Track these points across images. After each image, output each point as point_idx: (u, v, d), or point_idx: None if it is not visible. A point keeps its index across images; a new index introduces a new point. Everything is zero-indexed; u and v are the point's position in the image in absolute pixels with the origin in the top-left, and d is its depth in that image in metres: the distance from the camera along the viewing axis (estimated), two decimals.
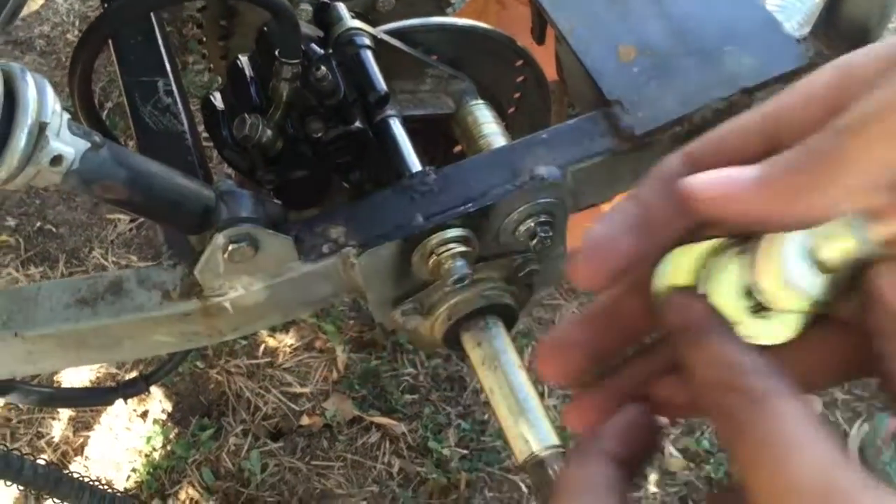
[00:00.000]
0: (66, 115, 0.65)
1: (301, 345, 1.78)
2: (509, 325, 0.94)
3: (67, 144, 0.64)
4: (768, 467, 0.33)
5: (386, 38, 0.93)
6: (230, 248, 0.78)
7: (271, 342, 1.78)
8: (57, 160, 0.64)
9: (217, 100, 0.93)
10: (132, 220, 2.00)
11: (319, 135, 0.89)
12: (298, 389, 1.72)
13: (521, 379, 0.87)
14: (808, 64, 0.85)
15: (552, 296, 1.80)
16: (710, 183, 0.36)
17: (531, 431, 0.83)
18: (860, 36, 0.83)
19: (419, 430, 1.65)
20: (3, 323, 0.84)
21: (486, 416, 1.68)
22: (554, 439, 0.83)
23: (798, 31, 1.03)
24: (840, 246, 0.35)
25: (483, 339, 0.89)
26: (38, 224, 2.01)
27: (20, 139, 0.60)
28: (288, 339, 1.79)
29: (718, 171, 0.36)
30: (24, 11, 2.44)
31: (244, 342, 1.77)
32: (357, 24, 0.92)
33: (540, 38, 1.03)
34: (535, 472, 0.83)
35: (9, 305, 0.85)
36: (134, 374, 1.71)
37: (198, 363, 1.75)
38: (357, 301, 1.83)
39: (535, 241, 0.86)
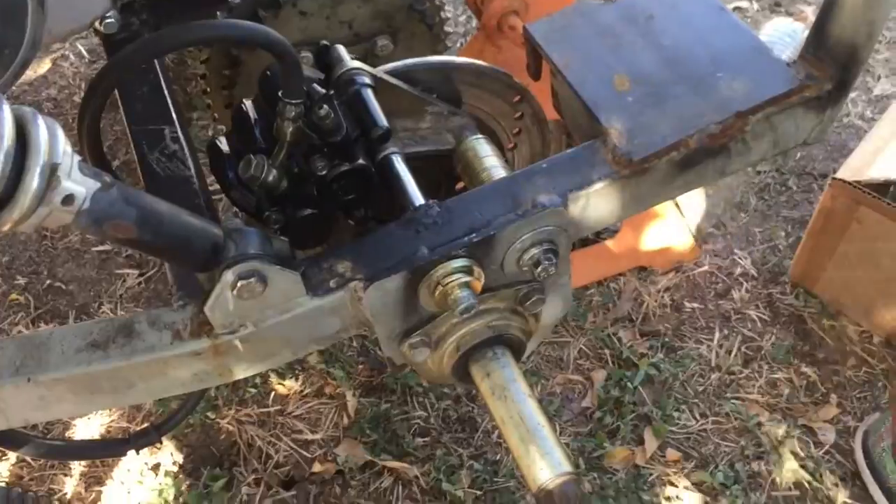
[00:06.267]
0: (77, 157, 0.67)
1: (311, 391, 1.78)
2: (517, 355, 0.94)
3: (78, 184, 0.66)
4: None
5: (386, 77, 0.95)
6: (239, 284, 0.79)
7: (281, 389, 1.78)
8: (68, 200, 0.65)
9: (223, 144, 0.95)
10: (141, 275, 2.01)
11: (324, 172, 0.90)
12: (309, 436, 1.71)
13: (532, 408, 0.87)
14: (799, 86, 0.87)
15: (558, 332, 1.80)
16: None
17: (544, 459, 0.83)
18: (849, 56, 0.84)
19: (432, 473, 1.64)
20: (15, 368, 0.84)
21: (498, 457, 1.66)
22: (567, 466, 0.83)
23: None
24: None
25: (492, 369, 0.90)
26: (48, 282, 2.03)
27: (33, 179, 0.62)
28: (297, 386, 1.79)
29: None
30: (32, 75, 2.50)
31: (254, 391, 1.77)
32: (357, 64, 0.94)
33: (536, 74, 1.05)
34: (548, 501, 0.83)
35: (21, 351, 0.86)
36: (145, 425, 1.70)
37: (209, 413, 1.74)
38: (365, 345, 1.83)
39: (539, 270, 0.87)
